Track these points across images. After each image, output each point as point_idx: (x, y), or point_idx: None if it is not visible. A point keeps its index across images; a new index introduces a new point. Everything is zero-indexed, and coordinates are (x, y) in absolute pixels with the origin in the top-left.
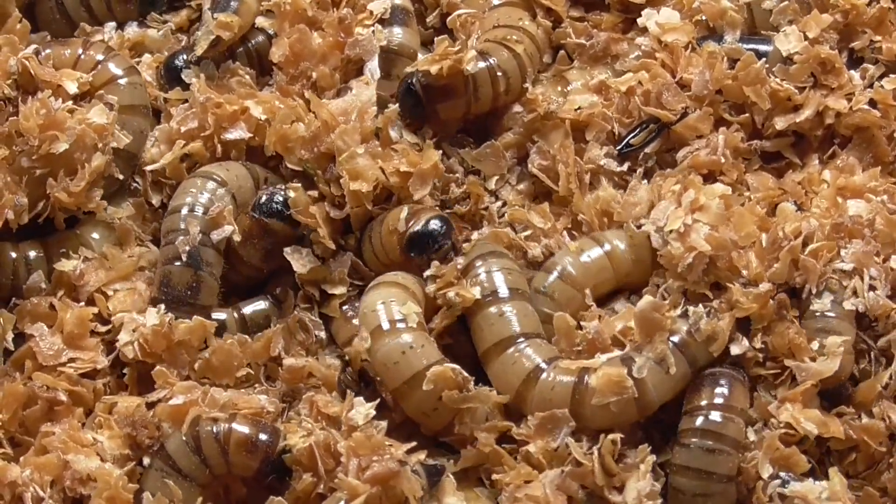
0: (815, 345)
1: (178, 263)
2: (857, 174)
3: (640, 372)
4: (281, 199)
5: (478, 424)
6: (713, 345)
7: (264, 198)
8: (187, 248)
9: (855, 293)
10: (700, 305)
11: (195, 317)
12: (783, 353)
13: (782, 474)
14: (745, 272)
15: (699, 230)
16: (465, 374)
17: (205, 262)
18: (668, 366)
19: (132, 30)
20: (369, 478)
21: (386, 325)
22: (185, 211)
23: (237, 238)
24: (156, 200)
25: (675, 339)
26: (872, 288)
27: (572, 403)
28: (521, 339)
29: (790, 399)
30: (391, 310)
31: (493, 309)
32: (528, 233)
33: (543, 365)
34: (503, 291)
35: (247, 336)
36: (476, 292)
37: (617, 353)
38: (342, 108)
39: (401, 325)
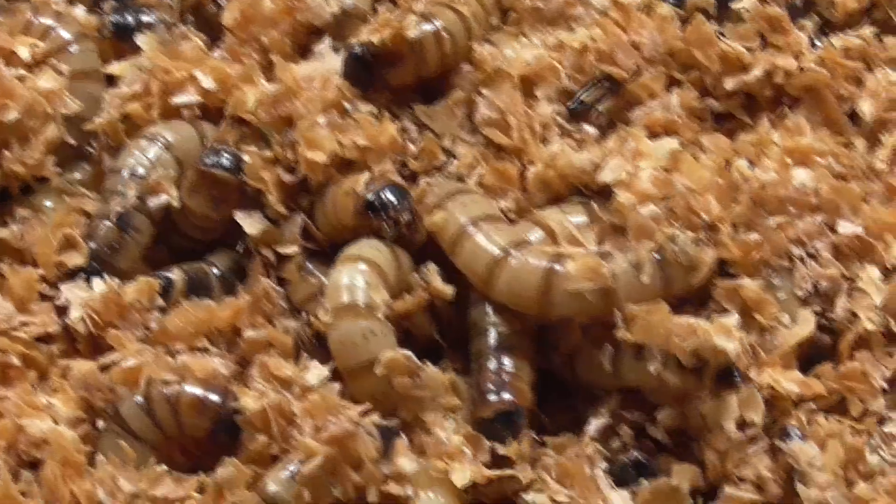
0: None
1: (106, 222)
2: (806, 135)
3: (615, 268)
4: (228, 153)
5: (424, 409)
6: (694, 274)
7: (211, 151)
8: (119, 209)
9: (804, 279)
10: (688, 233)
11: (141, 276)
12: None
13: (791, 428)
14: (705, 216)
15: (643, 176)
16: (418, 362)
17: (133, 227)
18: (644, 273)
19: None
20: (325, 439)
21: (350, 306)
22: (125, 173)
23: (176, 204)
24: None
25: (659, 254)
26: (813, 256)
27: (541, 288)
28: (485, 221)
29: (769, 364)
30: (361, 290)
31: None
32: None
33: (512, 248)
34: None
35: (212, 302)
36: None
37: (594, 248)
38: (306, 74)
39: (367, 310)
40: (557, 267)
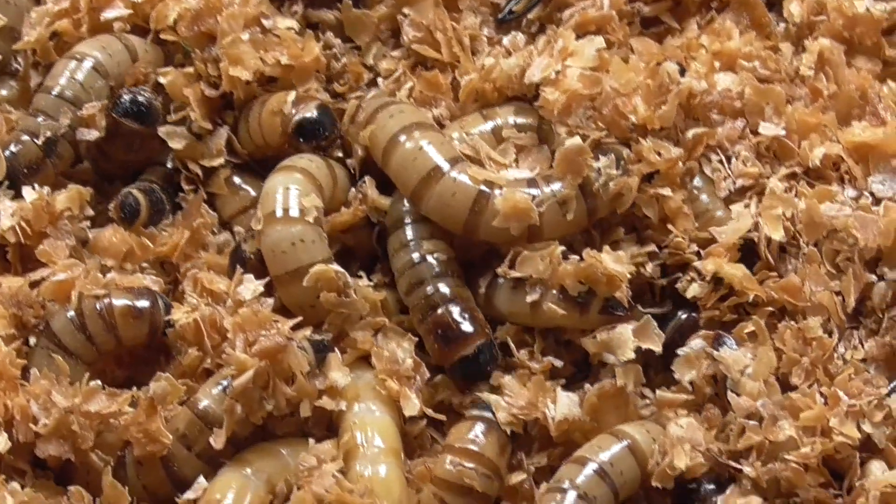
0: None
1: (34, 140)
2: (734, 38)
3: (540, 206)
4: (142, 101)
5: (352, 325)
6: (619, 201)
7: (126, 99)
8: (49, 133)
9: (725, 179)
10: (612, 157)
11: (71, 185)
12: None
13: (725, 336)
14: (632, 118)
15: (571, 74)
16: (348, 278)
17: (57, 154)
18: (567, 210)
19: None
20: (257, 352)
21: (281, 212)
22: (55, 92)
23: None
24: (35, 83)
25: (584, 188)
26: (729, 159)
27: (470, 212)
28: (417, 129)
29: (714, 254)
30: (292, 197)
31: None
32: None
33: (446, 166)
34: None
35: (149, 243)
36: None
37: (526, 173)
38: None
39: (297, 216)
40: (487, 191)
